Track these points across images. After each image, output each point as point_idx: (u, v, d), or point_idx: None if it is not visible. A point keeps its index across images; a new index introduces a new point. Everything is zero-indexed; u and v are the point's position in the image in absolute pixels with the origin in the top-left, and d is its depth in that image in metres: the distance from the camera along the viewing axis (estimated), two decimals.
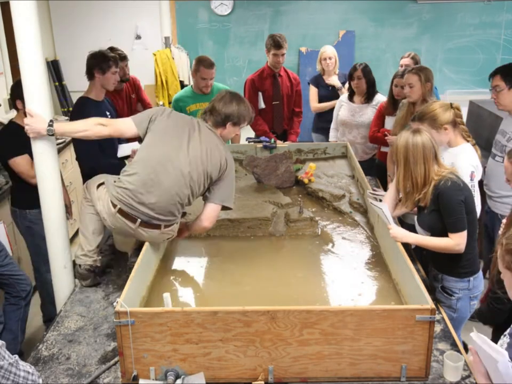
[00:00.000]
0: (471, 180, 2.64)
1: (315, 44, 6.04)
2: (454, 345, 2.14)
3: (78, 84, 6.13)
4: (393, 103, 3.91)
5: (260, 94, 4.41)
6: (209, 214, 2.57)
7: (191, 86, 4.20)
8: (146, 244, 2.48)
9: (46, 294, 3.37)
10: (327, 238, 2.87)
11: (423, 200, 2.44)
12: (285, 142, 4.30)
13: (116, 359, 2.08)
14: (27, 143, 2.49)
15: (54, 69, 5.91)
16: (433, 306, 1.88)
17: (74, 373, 2.05)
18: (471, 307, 2.52)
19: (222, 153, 2.52)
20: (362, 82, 4.16)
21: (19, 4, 2.29)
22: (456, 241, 2.38)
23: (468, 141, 2.80)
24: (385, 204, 2.59)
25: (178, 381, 1.93)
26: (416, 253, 2.92)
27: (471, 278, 2.47)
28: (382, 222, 2.69)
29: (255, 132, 4.53)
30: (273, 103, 4.42)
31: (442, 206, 2.37)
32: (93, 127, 2.49)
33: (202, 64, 4.00)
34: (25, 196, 3.24)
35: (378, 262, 2.64)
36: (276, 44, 4.21)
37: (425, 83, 3.39)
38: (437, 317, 2.01)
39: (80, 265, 2.63)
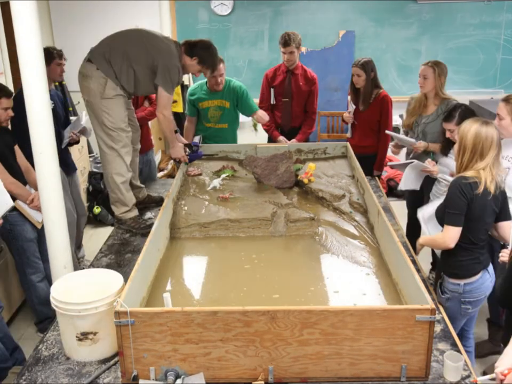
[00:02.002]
0: None
1: (315, 43, 6.04)
2: (454, 345, 2.14)
3: (78, 83, 6.10)
4: (355, 91, 4.19)
5: (272, 89, 4.50)
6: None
7: (206, 82, 4.26)
8: (146, 244, 2.48)
9: (34, 297, 3.34)
10: (327, 238, 2.87)
11: None
12: (291, 141, 4.39)
13: (116, 359, 2.08)
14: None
15: None
16: (433, 306, 1.88)
17: (74, 373, 2.05)
18: (463, 311, 2.52)
19: None
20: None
21: (19, 4, 2.29)
22: (445, 234, 2.40)
23: None
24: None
25: (178, 381, 1.93)
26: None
27: (461, 282, 2.48)
28: (382, 221, 2.69)
29: (262, 126, 4.62)
30: (283, 99, 4.48)
31: (448, 195, 2.40)
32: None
33: None
34: None
35: (378, 262, 2.64)
36: (282, 41, 4.26)
37: (439, 77, 3.55)
38: (437, 317, 2.01)
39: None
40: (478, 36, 5.96)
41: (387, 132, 3.97)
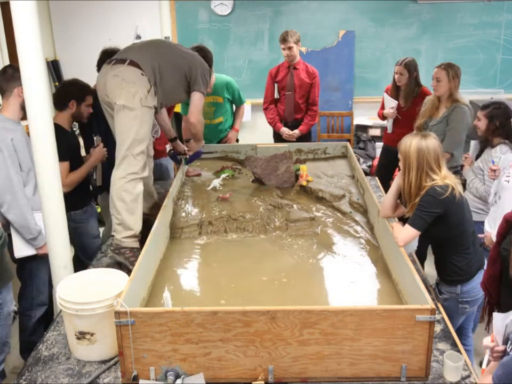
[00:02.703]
0: None
1: (315, 44, 6.04)
2: (454, 345, 2.14)
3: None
4: (396, 89, 4.33)
5: (276, 84, 4.78)
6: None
7: None
8: (146, 244, 2.47)
9: None
10: (327, 238, 2.87)
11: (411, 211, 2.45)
12: (293, 131, 4.68)
13: (116, 359, 2.08)
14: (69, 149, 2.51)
15: (54, 69, 5.91)
16: (433, 306, 1.88)
17: (74, 373, 2.05)
18: (461, 310, 2.52)
19: None
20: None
21: (19, 4, 2.29)
22: (403, 232, 2.39)
23: None
24: None
25: (178, 381, 1.93)
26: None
27: (459, 285, 2.48)
28: (382, 221, 2.69)
29: (267, 119, 4.85)
30: (286, 93, 4.73)
31: (423, 199, 2.37)
32: None
33: None
34: (66, 198, 2.92)
35: (378, 262, 2.64)
36: (281, 38, 4.59)
37: (452, 79, 3.60)
38: (437, 317, 2.01)
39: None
40: (478, 35, 5.96)
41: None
